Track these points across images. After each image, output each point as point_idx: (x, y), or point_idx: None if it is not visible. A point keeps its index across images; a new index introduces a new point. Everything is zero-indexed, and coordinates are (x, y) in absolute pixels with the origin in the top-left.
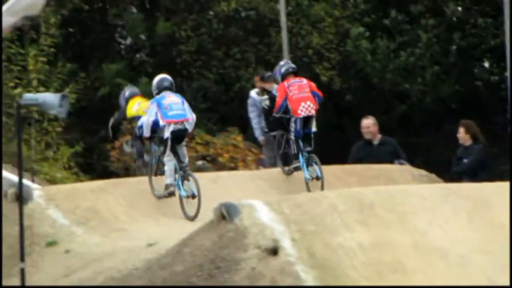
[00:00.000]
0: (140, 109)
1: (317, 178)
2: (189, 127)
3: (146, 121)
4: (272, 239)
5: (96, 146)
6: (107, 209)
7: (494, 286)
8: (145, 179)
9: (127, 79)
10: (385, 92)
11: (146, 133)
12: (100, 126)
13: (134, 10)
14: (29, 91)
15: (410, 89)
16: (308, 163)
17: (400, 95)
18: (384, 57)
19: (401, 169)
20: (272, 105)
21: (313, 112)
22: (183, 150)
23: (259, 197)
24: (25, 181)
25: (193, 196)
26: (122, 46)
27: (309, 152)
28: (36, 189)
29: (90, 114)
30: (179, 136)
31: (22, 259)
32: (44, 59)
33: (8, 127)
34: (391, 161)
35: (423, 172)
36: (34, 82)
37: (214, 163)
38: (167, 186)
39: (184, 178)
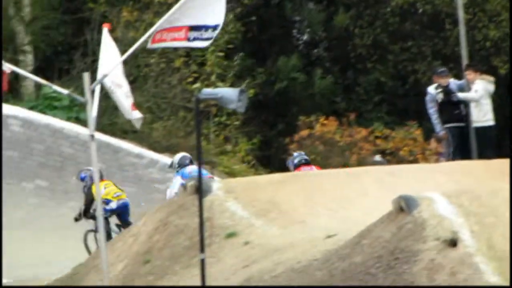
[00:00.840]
0: (108, 192)
1: None
2: None
3: (169, 193)
4: (451, 231)
5: (273, 140)
6: (286, 201)
7: (494, 286)
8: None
9: (304, 73)
10: None
11: None
12: (278, 119)
13: (311, 5)
14: (207, 86)
15: None
16: None
17: None
18: None
19: None
20: (446, 99)
21: None
22: None
23: (437, 190)
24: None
25: None
26: (300, 42)
27: None
28: (215, 182)
29: (267, 108)
30: None
31: (202, 250)
32: (222, 54)
33: (187, 122)
34: None
35: None
36: (213, 77)
37: (394, 157)
38: None
39: None
